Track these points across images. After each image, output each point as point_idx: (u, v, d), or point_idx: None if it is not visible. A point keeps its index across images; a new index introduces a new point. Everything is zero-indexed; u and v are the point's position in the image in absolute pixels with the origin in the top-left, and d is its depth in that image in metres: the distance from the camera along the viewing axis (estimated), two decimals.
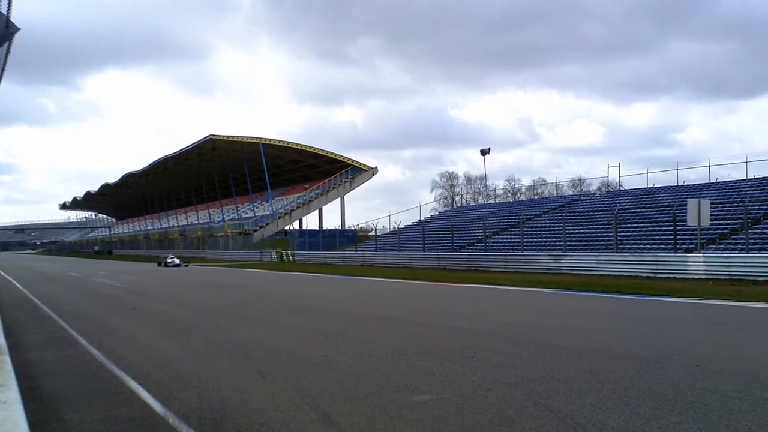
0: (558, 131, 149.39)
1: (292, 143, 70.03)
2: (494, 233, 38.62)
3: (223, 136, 64.62)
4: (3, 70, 12.36)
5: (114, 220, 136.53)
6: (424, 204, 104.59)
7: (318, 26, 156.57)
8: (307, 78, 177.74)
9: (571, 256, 26.77)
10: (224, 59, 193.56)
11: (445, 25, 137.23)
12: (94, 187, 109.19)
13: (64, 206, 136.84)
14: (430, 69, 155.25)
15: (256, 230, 64.41)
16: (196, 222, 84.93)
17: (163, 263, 45.77)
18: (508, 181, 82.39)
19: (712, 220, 23.66)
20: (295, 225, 70.78)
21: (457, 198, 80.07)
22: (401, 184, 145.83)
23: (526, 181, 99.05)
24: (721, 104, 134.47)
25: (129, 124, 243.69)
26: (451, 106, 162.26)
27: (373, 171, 74.52)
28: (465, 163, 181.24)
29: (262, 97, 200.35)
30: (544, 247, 32.06)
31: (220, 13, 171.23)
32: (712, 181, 35.24)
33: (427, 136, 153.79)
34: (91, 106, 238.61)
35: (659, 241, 27.79)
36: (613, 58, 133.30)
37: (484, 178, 72.74)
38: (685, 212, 22.72)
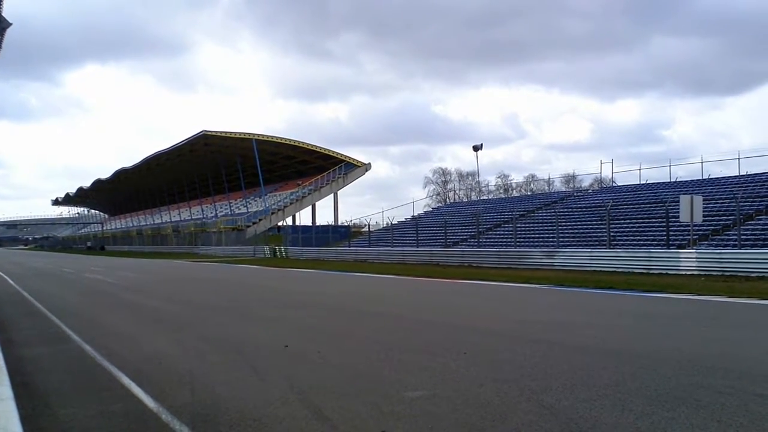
0: (544, 127, 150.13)
1: (285, 139, 69.94)
2: (487, 229, 38.71)
3: (216, 132, 64.43)
4: None
5: (107, 216, 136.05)
6: (417, 200, 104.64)
7: (298, 22, 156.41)
8: (290, 74, 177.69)
9: (564, 252, 26.84)
10: (205, 54, 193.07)
11: (425, 20, 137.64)
12: (81, 183, 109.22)
13: (56, 202, 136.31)
14: (412, 65, 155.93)
15: (249, 226, 64.31)
16: (189, 218, 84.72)
17: None
18: (500, 177, 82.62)
19: (704, 216, 23.77)
20: (288, 221, 70.74)
21: (450, 194, 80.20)
22: (391, 180, 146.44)
23: (516, 177, 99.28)
24: (707, 101, 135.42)
25: (113, 119, 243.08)
26: (435, 102, 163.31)
27: (366, 167, 74.55)
28: (453, 159, 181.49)
29: (246, 93, 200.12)
30: (537, 243, 32.17)
31: (198, 7, 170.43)
32: (704, 178, 35.45)
33: (414, 132, 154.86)
34: (73, 101, 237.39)
35: (652, 238, 27.91)
36: (596, 55, 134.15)
37: (476, 174, 72.91)
38: (678, 208, 22.83)
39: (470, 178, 79.55)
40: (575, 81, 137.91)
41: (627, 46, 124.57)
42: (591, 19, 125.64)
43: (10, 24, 9.80)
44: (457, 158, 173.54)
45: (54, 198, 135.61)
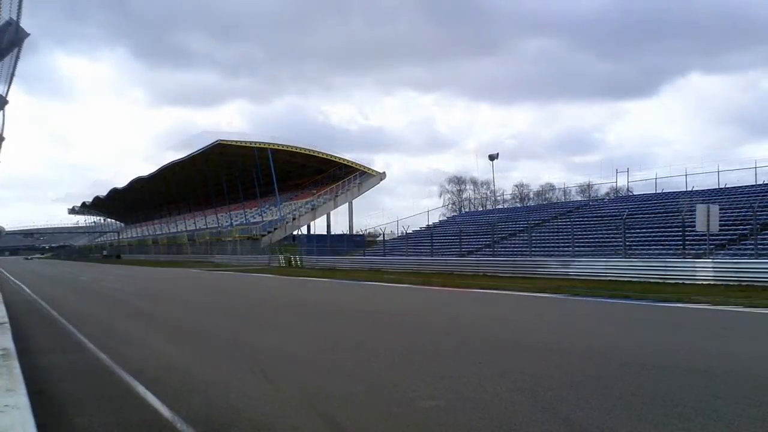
0: (555, 137, 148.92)
1: (300, 147, 70.05)
2: (502, 238, 38.53)
3: (232, 141, 64.85)
4: (13, 75, 12.45)
5: (122, 224, 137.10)
6: (432, 209, 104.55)
7: None
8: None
9: (580, 261, 26.67)
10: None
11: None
12: (97, 191, 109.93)
13: (72, 211, 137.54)
14: (416, 72, 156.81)
15: (264, 235, 64.46)
16: (204, 226, 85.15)
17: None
18: (516, 186, 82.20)
19: (720, 225, 23.54)
20: (303, 230, 70.90)
21: (465, 203, 79.96)
22: (403, 188, 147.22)
23: (532, 186, 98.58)
24: (719, 109, 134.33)
25: (115, 121, 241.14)
26: (436, 108, 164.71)
27: (381, 176, 74.63)
28: (466, 168, 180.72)
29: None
30: (552, 253, 31.97)
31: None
32: (721, 187, 35.09)
33: (416, 140, 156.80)
34: (72, 100, 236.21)
35: (668, 247, 27.66)
36: (598, 62, 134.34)
37: (491, 183, 72.77)
38: (694, 217, 22.63)
39: (485, 186, 79.36)
40: (572, 87, 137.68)
41: (625, 52, 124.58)
42: (588, 23, 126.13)
43: (28, 34, 9.91)
44: (471, 168, 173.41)
45: (71, 207, 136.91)
